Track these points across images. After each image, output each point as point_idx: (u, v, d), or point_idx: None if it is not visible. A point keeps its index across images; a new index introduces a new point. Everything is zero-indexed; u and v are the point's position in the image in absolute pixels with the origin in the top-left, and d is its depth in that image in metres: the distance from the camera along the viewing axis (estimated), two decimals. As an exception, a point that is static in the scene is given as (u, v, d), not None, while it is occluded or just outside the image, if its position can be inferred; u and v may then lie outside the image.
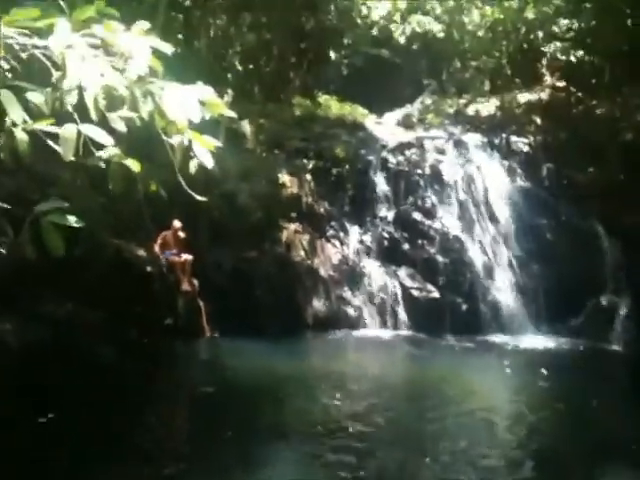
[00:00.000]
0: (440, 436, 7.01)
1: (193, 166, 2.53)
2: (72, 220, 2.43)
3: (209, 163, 2.48)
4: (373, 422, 7.33)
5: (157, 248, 10.98)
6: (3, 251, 2.77)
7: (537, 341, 11.04)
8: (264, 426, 6.96)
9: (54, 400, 7.32)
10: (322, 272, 12.10)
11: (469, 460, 6.34)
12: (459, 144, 14.29)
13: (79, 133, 2.33)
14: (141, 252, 11.18)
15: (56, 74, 2.36)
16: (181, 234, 11.00)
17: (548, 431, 7.25)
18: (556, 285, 11.79)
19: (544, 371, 9.17)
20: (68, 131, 2.32)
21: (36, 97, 2.36)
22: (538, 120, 15.28)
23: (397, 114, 16.00)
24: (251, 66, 16.76)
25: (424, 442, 6.92)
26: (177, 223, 10.95)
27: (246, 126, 13.93)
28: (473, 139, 14.46)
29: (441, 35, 17.40)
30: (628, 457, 6.38)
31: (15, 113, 2.29)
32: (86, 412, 6.93)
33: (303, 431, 6.94)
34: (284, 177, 13.05)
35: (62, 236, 2.41)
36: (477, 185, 13.32)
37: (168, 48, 2.50)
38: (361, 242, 12.67)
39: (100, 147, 2.46)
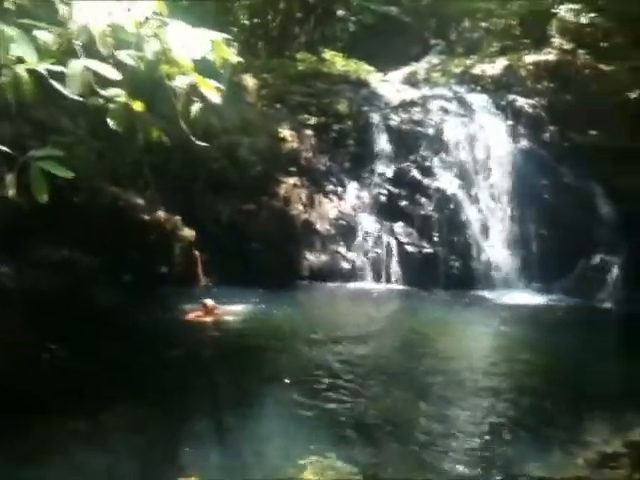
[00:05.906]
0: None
1: (195, 110, 2.54)
2: (61, 170, 2.38)
3: (215, 99, 2.48)
4: (366, 365, 7.59)
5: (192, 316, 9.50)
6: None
7: (528, 298, 11.09)
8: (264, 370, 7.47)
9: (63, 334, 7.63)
10: (319, 226, 12.17)
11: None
12: (463, 104, 14.17)
13: (85, 70, 2.29)
14: (138, 200, 11.27)
15: (63, 11, 2.34)
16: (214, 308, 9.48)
17: (528, 379, 7.39)
18: (551, 245, 11.82)
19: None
20: (75, 67, 2.29)
21: (45, 35, 2.32)
22: (545, 82, 15.10)
23: (403, 72, 15.83)
24: (257, 20, 16.64)
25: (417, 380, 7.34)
26: (209, 302, 9.44)
27: (248, 80, 13.89)
28: (478, 99, 14.32)
29: (451, -6, 17.10)
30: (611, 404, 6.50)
31: (27, 52, 2.26)
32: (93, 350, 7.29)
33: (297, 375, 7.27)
34: (285, 132, 13.04)
35: (51, 183, 2.40)
36: (479, 145, 13.25)
37: None
38: (358, 198, 12.69)
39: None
